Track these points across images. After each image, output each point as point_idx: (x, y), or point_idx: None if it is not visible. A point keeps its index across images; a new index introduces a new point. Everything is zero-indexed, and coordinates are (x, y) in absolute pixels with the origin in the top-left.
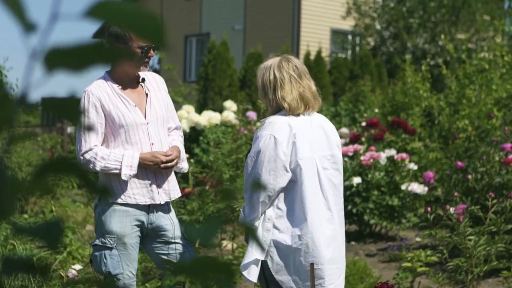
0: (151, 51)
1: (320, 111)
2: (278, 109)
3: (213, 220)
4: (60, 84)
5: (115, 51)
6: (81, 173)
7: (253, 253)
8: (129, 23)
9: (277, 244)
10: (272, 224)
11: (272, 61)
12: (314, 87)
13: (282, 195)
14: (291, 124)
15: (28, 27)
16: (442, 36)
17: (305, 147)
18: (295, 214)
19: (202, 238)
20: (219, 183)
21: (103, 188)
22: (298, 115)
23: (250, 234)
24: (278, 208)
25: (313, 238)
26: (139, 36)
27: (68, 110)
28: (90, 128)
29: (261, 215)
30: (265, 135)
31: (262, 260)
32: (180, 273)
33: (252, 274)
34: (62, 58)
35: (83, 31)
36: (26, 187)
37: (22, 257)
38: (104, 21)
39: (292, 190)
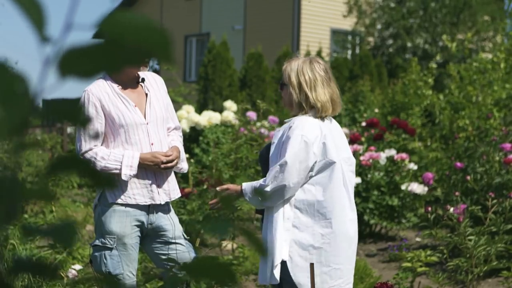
0: None
1: None
2: (303, 109)
3: (223, 218)
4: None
5: (125, 55)
6: (91, 169)
7: (280, 254)
8: (137, 37)
9: (298, 244)
10: (292, 224)
11: (303, 61)
12: (338, 91)
13: (301, 194)
14: (320, 126)
15: (44, 39)
16: (444, 36)
17: (332, 148)
18: (319, 213)
19: (218, 232)
20: (219, 183)
21: (108, 179)
22: (323, 117)
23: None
24: (297, 208)
25: (336, 237)
26: (147, 50)
27: (74, 114)
28: (96, 136)
29: (278, 210)
30: (296, 135)
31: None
32: (183, 272)
33: (277, 275)
34: (75, 65)
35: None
36: (31, 193)
37: (31, 259)
38: (114, 33)
39: (318, 189)
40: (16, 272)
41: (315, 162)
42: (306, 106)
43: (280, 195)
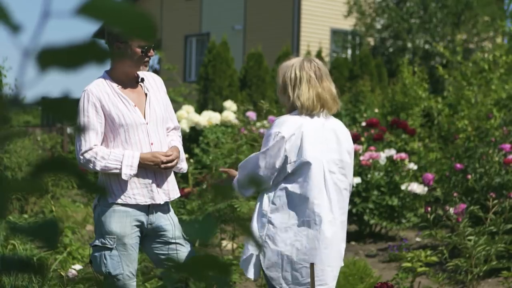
0: (151, 51)
1: None
2: (293, 108)
3: (210, 218)
4: (57, 84)
5: (107, 50)
6: (79, 172)
7: (249, 249)
8: (120, 21)
9: (271, 240)
10: (267, 219)
11: (294, 61)
12: (334, 90)
13: (279, 191)
14: (302, 124)
15: (14, 28)
16: (434, 43)
17: (312, 147)
18: (294, 210)
19: (201, 237)
20: (220, 182)
21: (101, 187)
22: (313, 115)
23: (244, 229)
24: (273, 203)
25: (309, 236)
26: (130, 33)
27: (63, 110)
28: (84, 129)
29: (258, 207)
30: (273, 133)
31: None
32: (179, 271)
33: (250, 270)
34: (55, 57)
35: (82, 29)
36: (19, 187)
37: (20, 256)
38: (95, 18)
39: (294, 187)
40: (3, 270)
41: (288, 160)
42: (287, 104)
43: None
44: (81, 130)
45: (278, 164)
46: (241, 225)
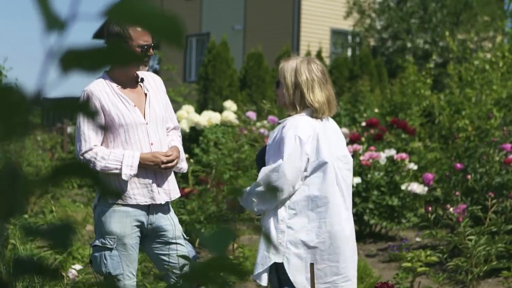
0: (151, 50)
1: None
2: (295, 109)
3: (225, 227)
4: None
5: (129, 53)
6: (94, 175)
7: (270, 258)
8: (147, 23)
9: (293, 244)
10: (286, 225)
11: (299, 61)
12: (333, 92)
13: (296, 194)
14: (313, 125)
15: (53, 23)
16: (447, 33)
17: (325, 147)
18: (314, 212)
19: (215, 247)
20: (220, 183)
21: (116, 189)
22: (319, 117)
23: (265, 237)
24: (291, 208)
25: (331, 236)
26: (158, 36)
27: (82, 109)
28: (104, 128)
29: (272, 213)
30: (291, 136)
31: (276, 263)
32: (193, 279)
33: (264, 277)
34: (78, 60)
35: (82, 30)
36: (37, 187)
37: (34, 260)
38: (122, 21)
39: (312, 189)
40: (18, 273)
41: (308, 162)
42: (299, 106)
43: (275, 197)
44: (100, 128)
45: (303, 166)
46: (260, 232)
